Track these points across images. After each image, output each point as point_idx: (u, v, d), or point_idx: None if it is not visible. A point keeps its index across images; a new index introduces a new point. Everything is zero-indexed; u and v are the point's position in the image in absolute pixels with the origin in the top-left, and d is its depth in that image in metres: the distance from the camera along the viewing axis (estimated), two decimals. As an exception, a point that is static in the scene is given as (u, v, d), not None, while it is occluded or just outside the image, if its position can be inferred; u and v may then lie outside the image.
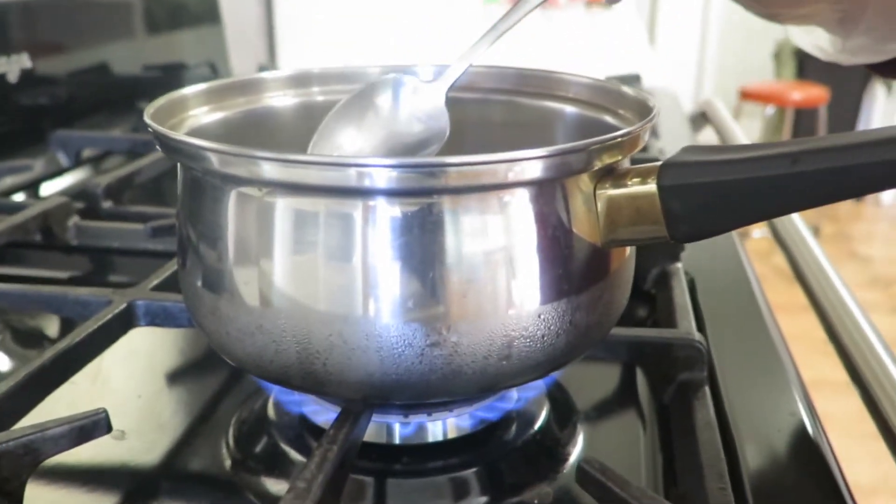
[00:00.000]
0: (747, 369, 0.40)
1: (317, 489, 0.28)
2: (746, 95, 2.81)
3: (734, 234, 0.60)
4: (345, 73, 0.44)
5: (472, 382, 0.31)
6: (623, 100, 0.39)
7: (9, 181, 0.74)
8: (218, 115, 0.39)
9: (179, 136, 0.30)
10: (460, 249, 0.29)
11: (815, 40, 0.44)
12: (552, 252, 0.30)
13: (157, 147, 0.32)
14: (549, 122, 0.43)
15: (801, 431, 0.36)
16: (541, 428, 0.38)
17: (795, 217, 0.61)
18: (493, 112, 0.45)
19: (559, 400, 0.41)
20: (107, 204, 0.63)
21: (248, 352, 0.32)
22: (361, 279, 0.29)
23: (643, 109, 0.36)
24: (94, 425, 0.32)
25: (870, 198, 3.51)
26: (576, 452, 0.37)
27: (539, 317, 0.31)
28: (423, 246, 0.29)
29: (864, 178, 0.26)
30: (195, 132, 0.37)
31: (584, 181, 0.31)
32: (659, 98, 1.12)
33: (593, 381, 0.42)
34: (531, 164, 0.29)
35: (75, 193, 0.65)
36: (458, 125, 0.44)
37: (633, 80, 1.11)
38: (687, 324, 0.41)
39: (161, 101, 0.35)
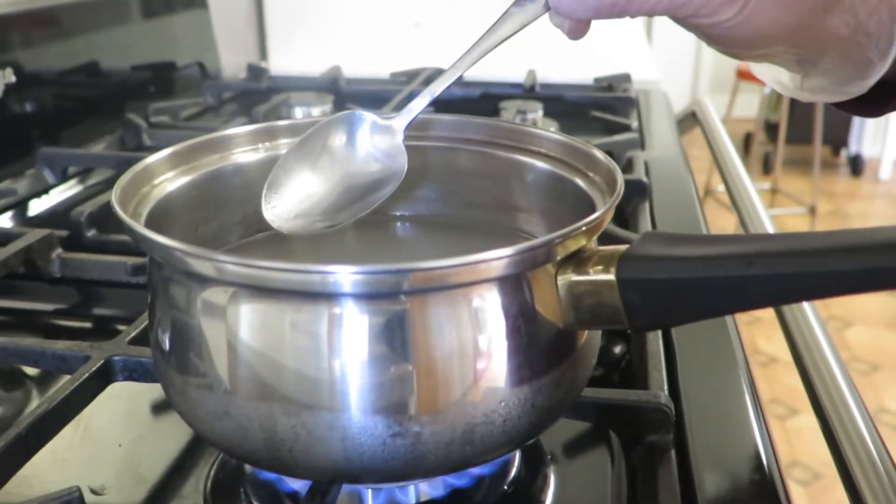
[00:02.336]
0: (719, 426, 0.41)
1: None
2: (743, 75, 2.79)
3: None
4: (311, 125, 0.44)
5: (436, 466, 0.31)
6: (593, 163, 0.39)
7: (-5, 203, 0.74)
8: (185, 179, 0.39)
9: (148, 233, 0.30)
10: (423, 346, 0.29)
11: (777, 75, 0.43)
12: (514, 341, 0.31)
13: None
14: (518, 175, 0.43)
15: (768, 493, 0.37)
16: (512, 483, 0.39)
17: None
18: (462, 161, 0.45)
19: (531, 452, 0.41)
20: (90, 232, 0.63)
21: (217, 434, 0.33)
22: (325, 374, 0.30)
23: (610, 180, 0.36)
24: (68, 505, 0.33)
25: (868, 173, 3.50)
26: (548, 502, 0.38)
27: (501, 404, 0.31)
28: (386, 343, 0.29)
29: (816, 286, 0.26)
30: (164, 202, 0.38)
31: (547, 269, 0.31)
32: (650, 98, 1.12)
33: (566, 430, 0.43)
34: (496, 264, 0.29)
35: (59, 220, 0.66)
36: (426, 174, 0.45)
37: (624, 79, 1.11)
38: (657, 380, 0.42)
39: (126, 176, 0.35)
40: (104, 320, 0.61)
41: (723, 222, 2.59)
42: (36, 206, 0.78)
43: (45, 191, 0.80)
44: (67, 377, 0.43)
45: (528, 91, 1.06)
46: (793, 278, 0.26)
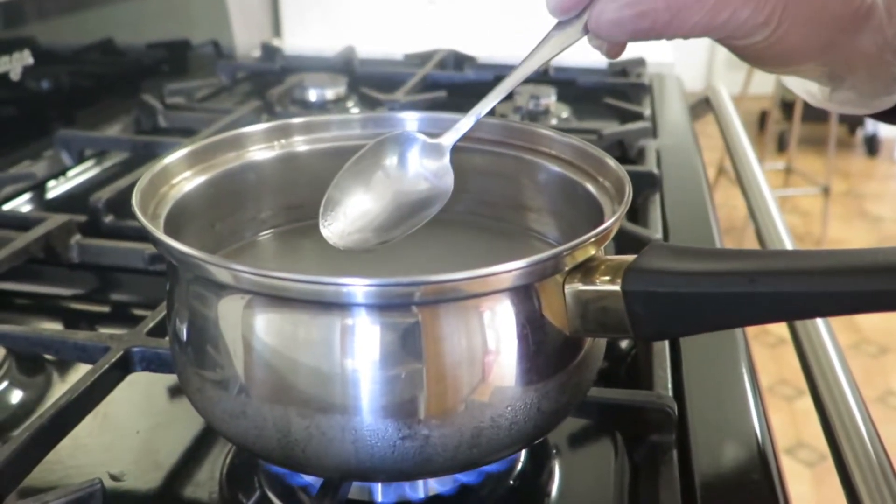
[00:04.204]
0: (721, 426, 0.42)
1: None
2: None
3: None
4: (325, 123, 0.45)
5: (444, 467, 0.33)
6: (604, 168, 0.40)
7: (12, 187, 0.75)
8: (202, 178, 0.40)
9: (171, 242, 0.31)
10: (433, 354, 0.30)
11: (805, 86, 0.45)
12: (522, 348, 0.32)
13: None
14: (530, 175, 0.44)
15: (768, 495, 0.38)
16: (518, 477, 0.40)
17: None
18: (475, 161, 0.45)
19: (537, 448, 0.43)
20: (108, 218, 0.64)
21: (232, 432, 0.34)
22: (339, 379, 0.31)
23: (619, 187, 0.37)
24: (90, 497, 0.34)
25: (884, 153, 3.47)
26: (553, 497, 0.39)
27: (507, 408, 0.32)
28: (397, 351, 0.30)
29: (817, 306, 0.27)
30: (182, 202, 0.38)
31: (556, 279, 0.32)
32: (664, 83, 1.11)
33: (571, 426, 0.44)
34: (506, 276, 0.30)
35: (76, 204, 0.67)
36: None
37: (638, 63, 1.11)
38: (662, 378, 0.42)
39: (145, 178, 0.36)
40: (122, 306, 0.62)
41: (735, 201, 2.58)
42: (53, 189, 0.79)
43: (63, 172, 0.81)
44: (87, 366, 0.44)
45: (542, 75, 1.06)
46: (794, 297, 0.27)
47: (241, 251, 0.43)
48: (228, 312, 0.32)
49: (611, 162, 0.39)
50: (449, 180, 0.40)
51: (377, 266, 0.42)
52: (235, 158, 0.42)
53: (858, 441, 0.42)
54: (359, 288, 0.29)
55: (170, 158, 0.39)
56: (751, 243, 2.51)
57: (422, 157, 0.41)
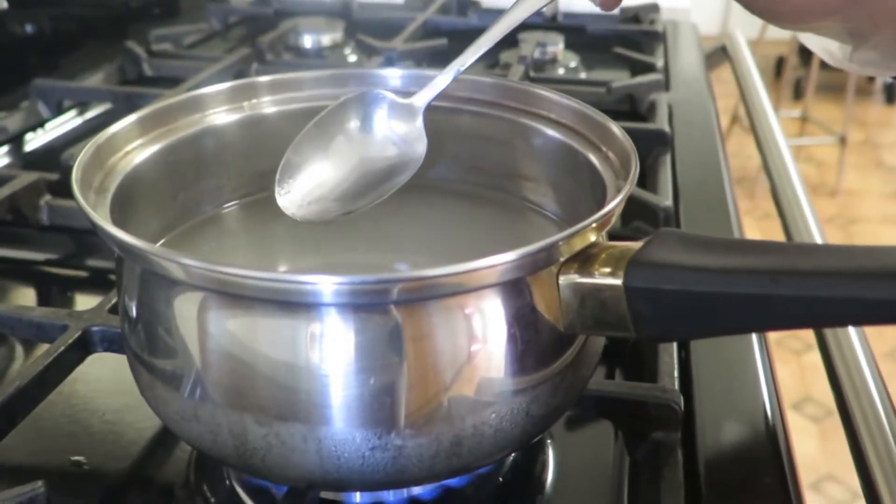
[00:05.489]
0: (731, 421, 0.38)
1: None
2: None
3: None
4: (296, 81, 0.41)
5: (420, 478, 0.29)
6: (608, 137, 0.35)
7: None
8: (155, 148, 0.36)
9: (114, 231, 0.27)
10: (408, 357, 0.27)
11: (825, 44, 0.41)
12: (510, 349, 0.28)
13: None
14: (527, 141, 0.40)
15: (776, 501, 0.34)
16: (507, 475, 0.37)
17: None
18: (466, 123, 0.41)
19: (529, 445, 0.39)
20: (81, 177, 0.60)
21: (186, 435, 0.30)
22: (301, 385, 0.27)
23: (625, 159, 0.33)
24: (31, 502, 0.31)
25: (903, 101, 3.38)
26: (546, 494, 0.36)
27: (492, 415, 0.29)
28: (367, 355, 0.27)
29: (849, 313, 0.23)
30: (136, 172, 0.34)
31: (549, 270, 0.28)
32: (678, 30, 1.05)
33: (568, 421, 0.40)
34: (493, 272, 0.26)
35: (54, 159, 0.63)
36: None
37: (651, 9, 1.05)
38: (668, 366, 0.39)
39: (88, 151, 0.32)
40: (98, 272, 0.58)
41: (749, 150, 2.52)
42: (30, 142, 0.75)
43: (41, 125, 0.77)
44: (46, 345, 0.41)
45: (550, 21, 1.00)
46: (822, 302, 0.23)
47: (206, 225, 0.39)
48: (180, 309, 0.28)
49: (616, 130, 0.35)
50: (421, 146, 0.36)
51: (356, 243, 0.38)
52: (197, 122, 0.38)
53: (866, 397, 0.40)
54: (327, 286, 0.25)
55: (118, 125, 0.35)
56: (762, 193, 2.47)
57: (391, 119, 0.36)
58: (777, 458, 0.36)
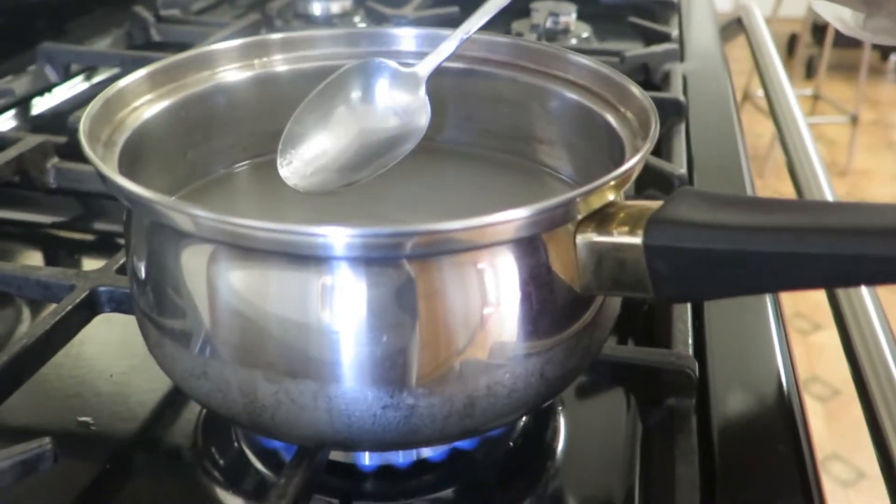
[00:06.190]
0: (747, 388, 0.38)
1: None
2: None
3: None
4: (308, 39, 0.40)
5: (433, 438, 0.29)
6: (626, 97, 0.35)
7: (-7, 102, 0.70)
8: (164, 104, 0.35)
9: (121, 181, 0.27)
10: (422, 314, 0.26)
11: (837, 12, 0.41)
12: (525, 309, 0.27)
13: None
14: (542, 103, 0.39)
15: (790, 469, 0.34)
16: (518, 440, 0.37)
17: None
18: (480, 85, 0.40)
19: (541, 410, 0.39)
20: (89, 140, 0.60)
21: (195, 392, 0.30)
22: (312, 342, 0.26)
23: (644, 119, 0.32)
24: (38, 458, 0.31)
25: (917, 80, 3.34)
26: (556, 461, 0.36)
27: (506, 375, 0.28)
28: (379, 312, 0.26)
29: (879, 271, 0.22)
30: (144, 128, 0.34)
31: (566, 228, 0.28)
32: (693, 1, 1.04)
33: (581, 388, 0.40)
34: (509, 227, 0.25)
35: (61, 122, 0.62)
36: (438, 98, 0.40)
37: (666, -21, 1.03)
38: (682, 333, 0.38)
39: (97, 103, 0.31)
40: (106, 235, 0.58)
41: (759, 128, 2.50)
42: (38, 106, 0.75)
43: (48, 89, 0.76)
44: (53, 306, 0.40)
45: (563, -12, 0.99)
46: (851, 260, 0.23)
47: (215, 184, 0.39)
48: (190, 263, 0.27)
49: (635, 89, 0.34)
50: (423, 117, 0.36)
51: (369, 205, 0.37)
52: (207, 79, 0.37)
53: (885, 374, 0.40)
54: (340, 238, 0.24)
55: (128, 79, 0.34)
56: (772, 173, 2.45)
57: (393, 90, 0.36)
58: (792, 426, 0.36)
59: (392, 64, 0.36)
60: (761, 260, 0.24)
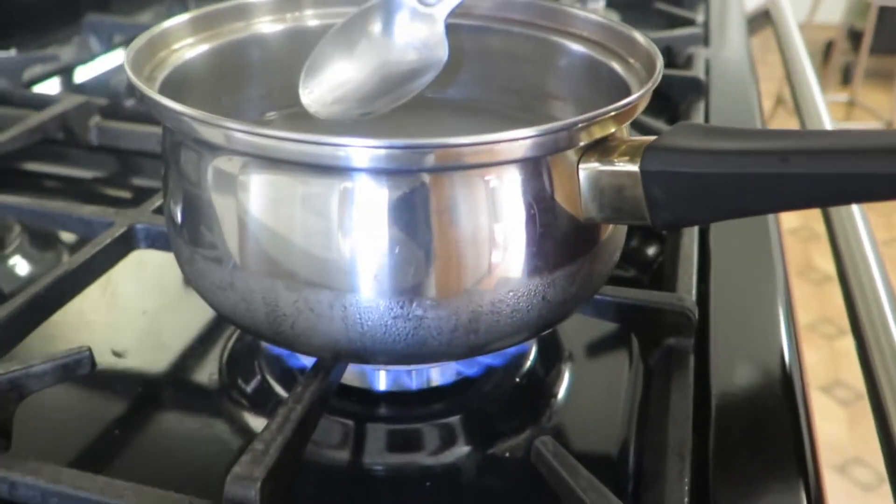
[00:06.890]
0: (745, 336, 0.39)
1: (274, 452, 0.28)
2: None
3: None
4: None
5: (440, 352, 0.31)
6: (633, 47, 0.36)
7: (40, 69, 0.74)
8: (204, 48, 0.38)
9: (158, 98, 0.29)
10: (433, 227, 0.28)
11: None
12: (529, 229, 0.29)
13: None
14: (551, 58, 0.41)
15: (781, 412, 0.35)
16: (525, 376, 0.38)
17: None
18: (497, 43, 0.42)
19: (548, 348, 0.41)
20: (130, 102, 0.63)
21: (221, 305, 0.32)
22: (329, 250, 0.29)
23: (650, 65, 0.34)
24: (77, 364, 0.33)
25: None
26: (559, 398, 0.37)
27: (509, 294, 0.30)
28: (392, 223, 0.28)
29: (858, 189, 0.24)
30: (180, 70, 0.36)
31: (569, 156, 0.30)
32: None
33: (587, 329, 0.42)
34: (515, 145, 0.27)
35: (104, 89, 0.65)
36: (459, 55, 0.42)
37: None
38: (686, 284, 0.40)
39: (142, 39, 0.34)
40: (142, 191, 0.61)
41: (792, 134, 2.48)
42: (81, 74, 0.78)
43: (92, 58, 0.80)
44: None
45: (592, -22, 1.00)
46: (831, 179, 0.24)
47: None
48: (221, 178, 0.30)
49: (640, 38, 0.36)
50: (441, 51, 0.37)
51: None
52: (242, 29, 0.40)
53: None
54: (360, 149, 0.26)
55: (170, 22, 0.36)
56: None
57: (412, 25, 0.38)
58: (785, 367, 0.37)
59: (412, 2, 0.38)
60: (749, 182, 0.26)
